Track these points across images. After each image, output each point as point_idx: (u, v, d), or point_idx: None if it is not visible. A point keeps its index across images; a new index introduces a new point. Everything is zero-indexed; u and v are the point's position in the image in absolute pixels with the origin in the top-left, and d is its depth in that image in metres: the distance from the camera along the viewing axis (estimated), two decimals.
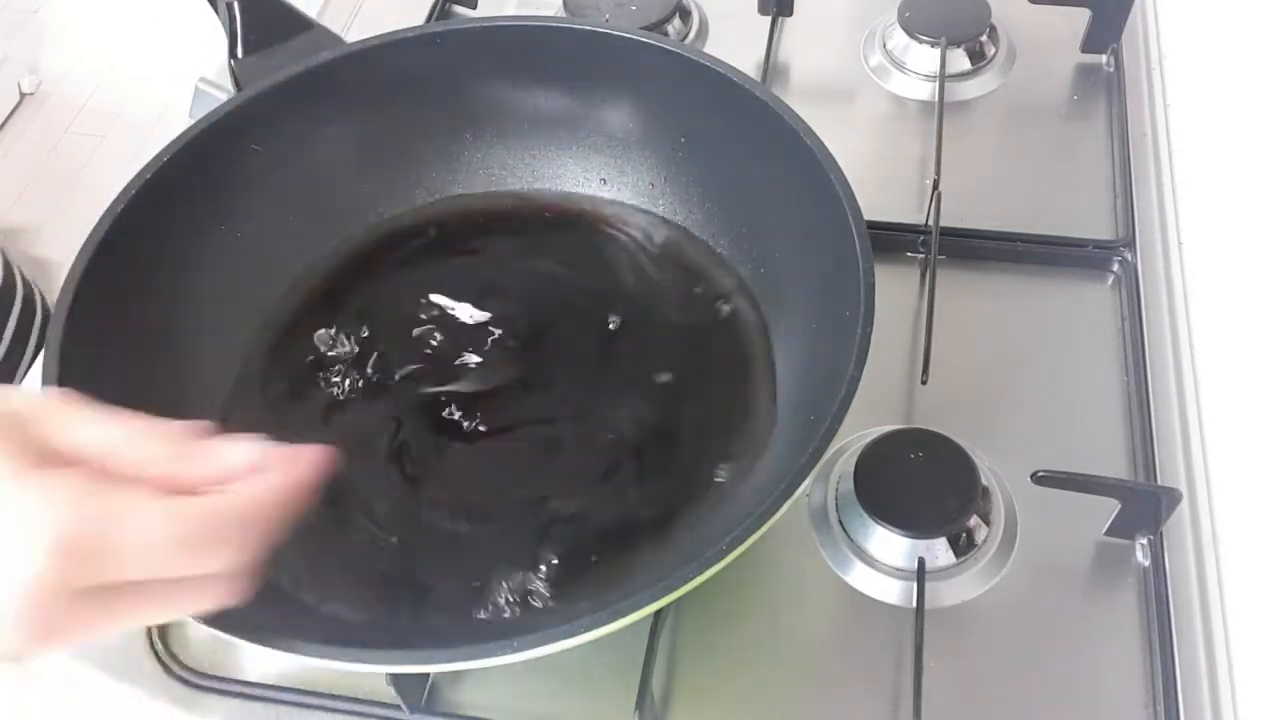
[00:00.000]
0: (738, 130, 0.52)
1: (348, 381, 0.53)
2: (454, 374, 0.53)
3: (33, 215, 1.50)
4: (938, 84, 0.67)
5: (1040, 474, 0.48)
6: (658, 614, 0.46)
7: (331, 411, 0.52)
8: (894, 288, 0.59)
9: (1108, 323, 0.58)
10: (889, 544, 0.49)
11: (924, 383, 0.51)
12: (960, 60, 0.69)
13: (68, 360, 0.43)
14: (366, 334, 0.54)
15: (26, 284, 0.78)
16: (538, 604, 0.45)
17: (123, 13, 1.94)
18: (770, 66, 0.71)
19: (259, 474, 0.32)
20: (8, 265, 0.77)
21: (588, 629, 0.36)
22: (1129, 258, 0.59)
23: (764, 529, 0.38)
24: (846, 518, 0.50)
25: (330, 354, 0.54)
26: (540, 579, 0.46)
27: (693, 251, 0.56)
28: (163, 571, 0.30)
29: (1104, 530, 0.50)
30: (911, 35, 0.69)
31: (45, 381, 0.43)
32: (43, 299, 0.80)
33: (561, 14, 0.72)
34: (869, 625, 0.48)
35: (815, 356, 0.48)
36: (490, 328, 0.54)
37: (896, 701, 0.46)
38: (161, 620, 0.31)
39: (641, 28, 0.66)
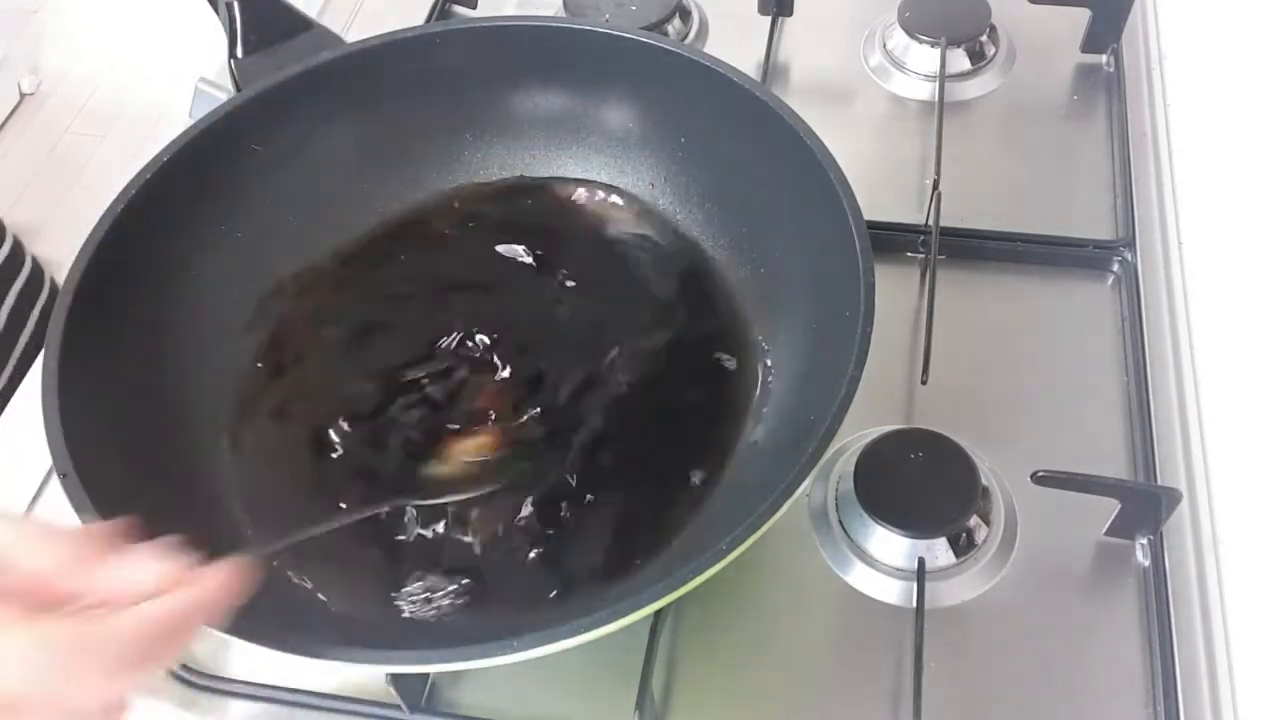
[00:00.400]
0: (738, 130, 0.52)
1: (346, 380, 0.53)
2: (452, 373, 0.53)
3: (33, 215, 1.50)
4: (938, 84, 0.67)
5: (1040, 474, 0.48)
6: (658, 614, 0.46)
7: (329, 408, 0.52)
8: (894, 288, 0.59)
9: (1108, 323, 0.58)
10: (889, 544, 0.49)
11: (924, 383, 0.51)
12: (960, 60, 0.69)
13: (68, 360, 0.44)
14: (365, 334, 0.54)
15: (36, 263, 0.79)
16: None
17: (123, 13, 1.94)
18: (770, 66, 0.71)
19: (158, 596, 0.30)
20: (17, 242, 0.77)
21: (588, 629, 0.36)
22: (1129, 258, 0.59)
23: (764, 529, 0.38)
24: (846, 518, 0.50)
25: (330, 353, 0.54)
26: (544, 577, 0.46)
27: (692, 251, 0.56)
28: (17, 695, 0.28)
29: (1104, 530, 0.50)
30: (911, 35, 0.69)
31: (45, 381, 0.43)
32: (51, 280, 0.80)
33: (561, 14, 0.72)
34: (869, 625, 0.48)
35: (815, 356, 0.48)
36: (488, 328, 0.54)
37: (897, 701, 0.46)
38: None
39: (641, 28, 0.66)
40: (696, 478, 0.48)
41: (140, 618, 0.30)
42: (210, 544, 0.35)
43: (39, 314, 0.77)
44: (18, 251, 0.77)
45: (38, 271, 0.79)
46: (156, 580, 0.31)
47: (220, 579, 0.32)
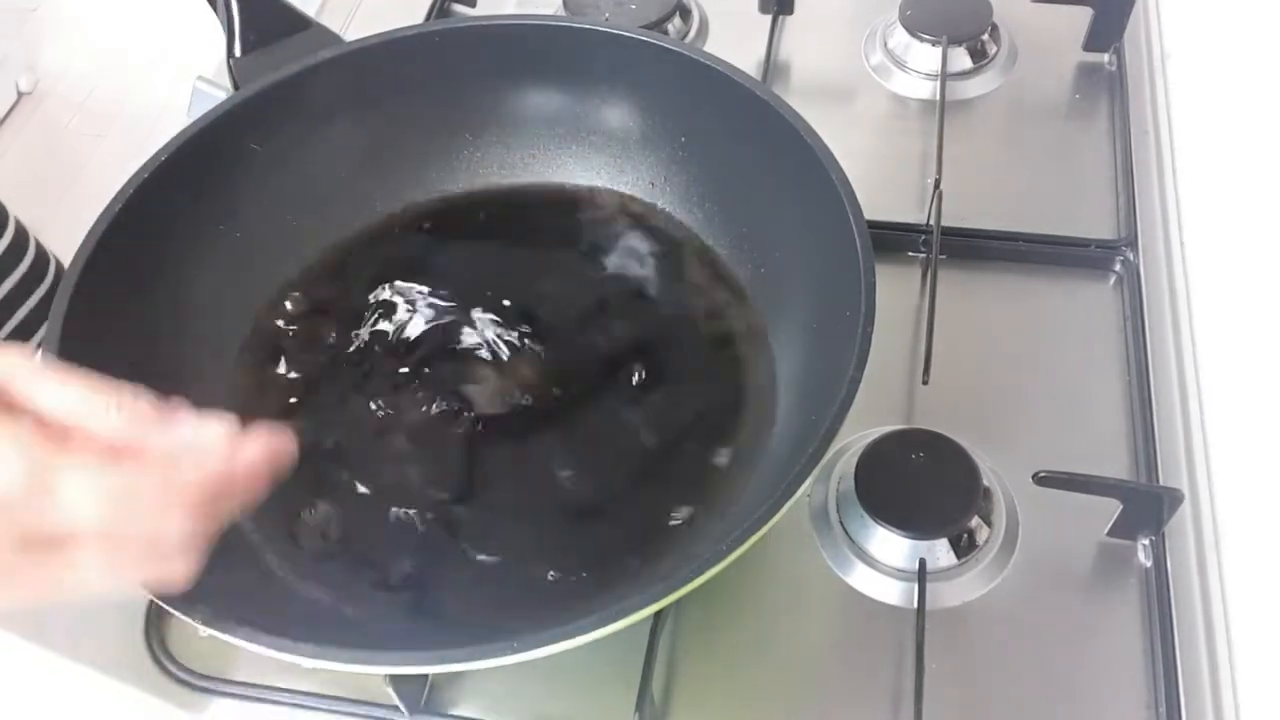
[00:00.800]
0: (738, 130, 0.52)
1: (344, 379, 0.53)
2: (452, 374, 0.52)
3: (30, 215, 1.50)
4: (939, 83, 0.67)
5: (1042, 474, 0.48)
6: (658, 615, 0.46)
7: (325, 409, 0.52)
8: (895, 288, 0.59)
9: (1110, 322, 0.57)
10: (890, 545, 0.49)
11: (925, 383, 0.51)
12: (962, 59, 0.69)
13: (65, 360, 0.43)
14: (363, 333, 0.54)
15: (40, 248, 0.79)
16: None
17: (121, 11, 1.94)
18: (771, 65, 0.71)
19: (213, 452, 0.33)
20: (20, 228, 0.77)
21: (588, 630, 0.36)
22: (1131, 257, 0.59)
23: (764, 530, 0.37)
24: (847, 518, 0.50)
25: (326, 352, 0.53)
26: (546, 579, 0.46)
27: (692, 251, 0.56)
28: (93, 529, 0.30)
29: (1106, 531, 0.50)
30: (913, 34, 0.69)
31: None
32: (56, 261, 0.80)
33: (561, 13, 0.72)
34: (870, 626, 0.48)
35: (816, 357, 0.48)
36: (486, 329, 0.54)
37: (897, 703, 0.46)
38: (108, 587, 0.32)
39: (641, 26, 0.65)
40: (686, 509, 0.48)
41: (209, 463, 0.32)
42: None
43: (39, 298, 0.77)
44: (21, 238, 0.77)
45: (42, 257, 0.78)
46: (215, 438, 0.33)
47: (270, 438, 0.34)
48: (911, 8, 0.70)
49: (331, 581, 0.46)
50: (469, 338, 0.54)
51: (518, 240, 0.58)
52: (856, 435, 0.53)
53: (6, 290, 0.74)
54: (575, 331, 0.54)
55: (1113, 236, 0.60)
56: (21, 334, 0.75)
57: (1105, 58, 0.70)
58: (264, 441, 0.34)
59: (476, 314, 0.54)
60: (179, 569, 0.32)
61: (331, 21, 0.64)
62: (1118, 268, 0.59)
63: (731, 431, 0.50)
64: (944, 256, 0.58)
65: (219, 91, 0.56)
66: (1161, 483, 0.51)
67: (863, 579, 0.49)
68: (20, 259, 0.76)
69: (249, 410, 0.51)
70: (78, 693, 0.48)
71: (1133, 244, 0.60)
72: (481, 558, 0.46)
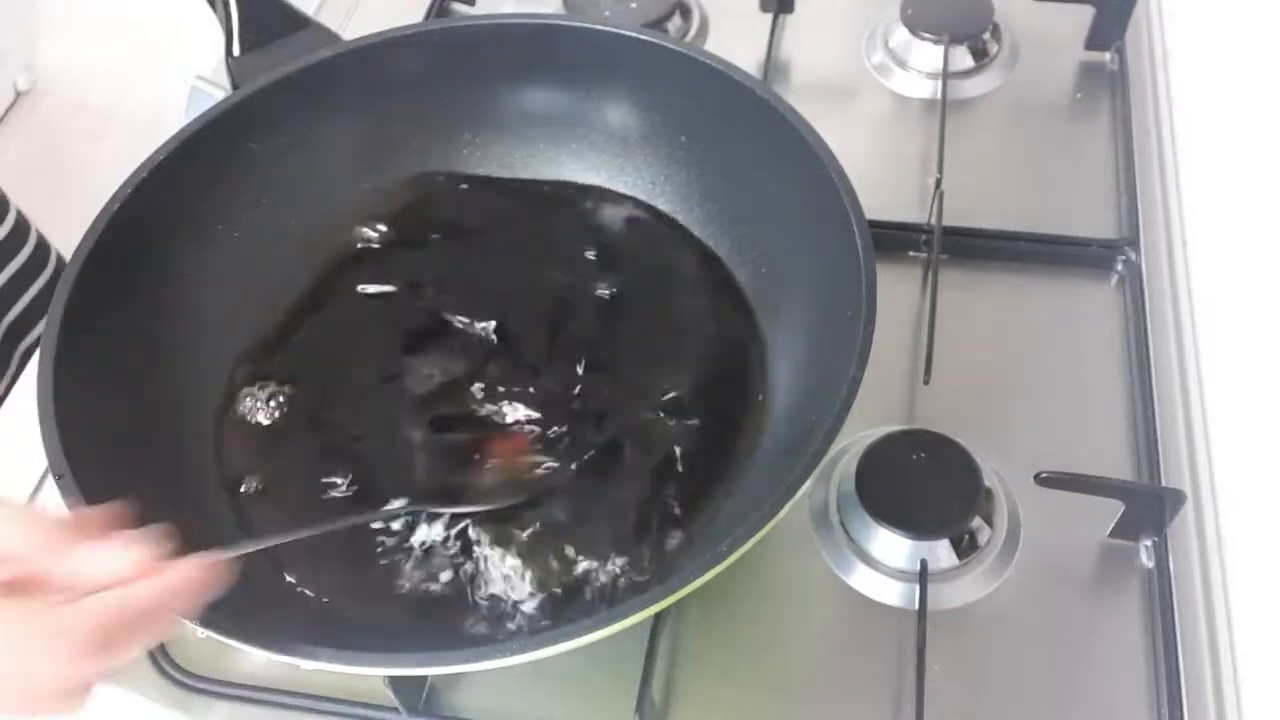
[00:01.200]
0: (739, 129, 0.52)
1: (343, 379, 0.52)
2: (450, 375, 0.52)
3: (29, 214, 1.50)
4: (940, 82, 0.66)
5: (1044, 475, 0.48)
6: (658, 616, 0.46)
7: (324, 409, 0.51)
8: (896, 287, 0.59)
9: (1111, 322, 0.57)
10: (891, 545, 0.49)
11: (926, 383, 0.51)
12: (963, 58, 0.69)
13: (63, 360, 0.43)
14: (361, 337, 0.54)
15: (41, 238, 0.79)
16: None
17: (119, 10, 1.94)
18: (771, 64, 0.71)
19: (119, 585, 0.30)
20: (21, 217, 0.77)
21: (588, 631, 0.36)
22: (1133, 257, 0.59)
23: (764, 531, 0.37)
24: (848, 519, 0.50)
25: (326, 351, 0.53)
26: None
27: (692, 251, 0.56)
28: None
29: (1108, 532, 0.49)
30: (914, 33, 0.69)
31: (41, 383, 0.42)
32: (58, 254, 0.80)
33: (561, 11, 0.72)
34: (871, 627, 0.48)
35: (816, 357, 0.48)
36: (487, 329, 0.54)
37: (899, 704, 0.46)
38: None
39: (642, 25, 0.65)
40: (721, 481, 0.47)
41: (105, 605, 0.30)
42: (196, 541, 0.35)
43: (39, 289, 0.77)
44: (22, 227, 0.77)
45: (43, 247, 0.78)
46: (127, 568, 0.31)
47: (190, 573, 0.32)
48: (913, 6, 0.70)
49: (332, 587, 0.46)
50: (464, 340, 0.53)
51: (516, 239, 0.57)
52: (857, 436, 0.52)
53: (6, 278, 0.74)
54: (572, 332, 0.54)
55: (1114, 236, 0.60)
56: (21, 325, 0.75)
57: (1107, 57, 0.69)
58: (183, 573, 0.31)
59: (473, 315, 0.54)
60: (64, 710, 0.31)
61: (330, 20, 0.64)
62: (1119, 267, 0.59)
63: (731, 431, 0.49)
64: (945, 256, 0.58)
65: (217, 91, 0.56)
66: (1164, 483, 0.51)
67: (863, 580, 0.49)
68: (20, 247, 0.76)
69: (246, 409, 0.51)
70: None
71: (1134, 243, 0.59)
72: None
